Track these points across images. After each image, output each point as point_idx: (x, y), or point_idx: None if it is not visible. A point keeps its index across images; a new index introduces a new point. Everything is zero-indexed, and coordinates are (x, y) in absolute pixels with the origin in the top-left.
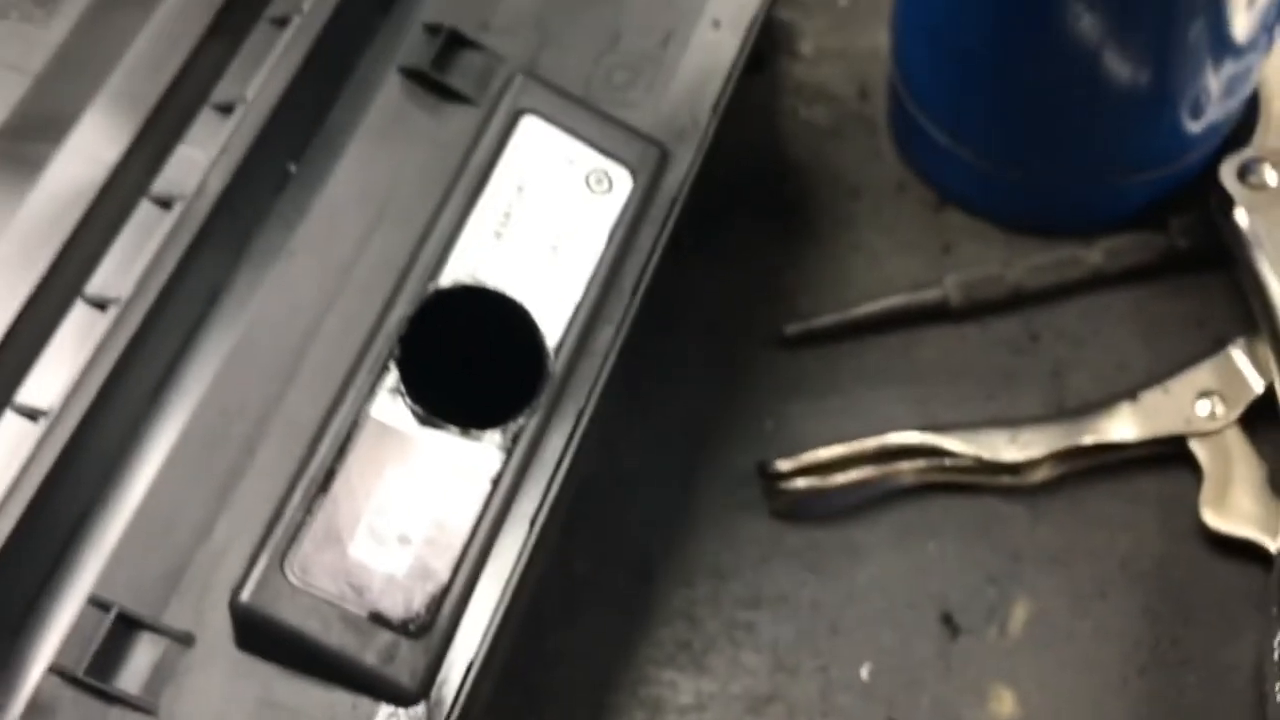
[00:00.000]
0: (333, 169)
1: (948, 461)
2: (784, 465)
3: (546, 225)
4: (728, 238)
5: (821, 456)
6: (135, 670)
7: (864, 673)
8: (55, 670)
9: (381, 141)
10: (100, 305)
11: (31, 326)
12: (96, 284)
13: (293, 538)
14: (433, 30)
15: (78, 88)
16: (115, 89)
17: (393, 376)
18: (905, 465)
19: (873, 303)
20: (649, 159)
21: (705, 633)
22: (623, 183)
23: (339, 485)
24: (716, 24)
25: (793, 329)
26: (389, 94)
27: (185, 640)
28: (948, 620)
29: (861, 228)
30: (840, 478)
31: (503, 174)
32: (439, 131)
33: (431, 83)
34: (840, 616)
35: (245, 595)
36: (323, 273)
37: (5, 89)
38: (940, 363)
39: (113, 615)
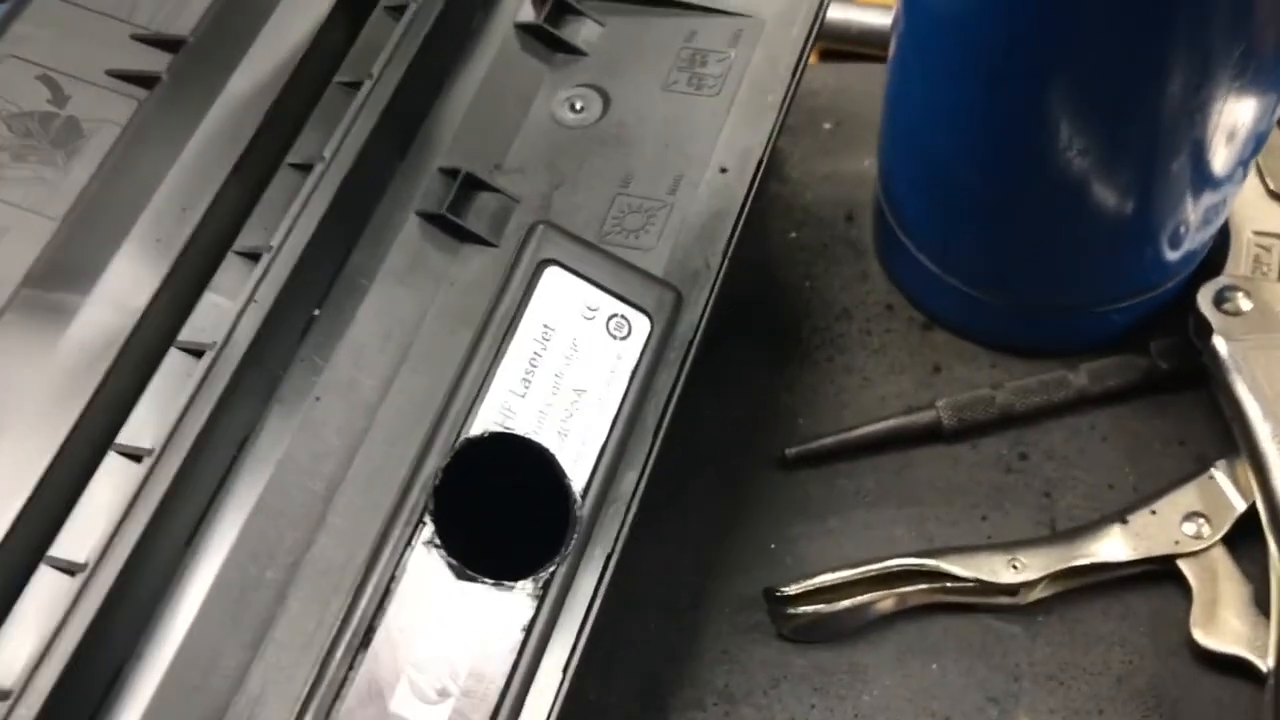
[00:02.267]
0: (356, 312)
1: (949, 584)
2: (790, 590)
3: (570, 371)
4: (724, 361)
5: (826, 580)
6: None
7: None
8: None
9: (402, 284)
10: (134, 457)
11: (65, 478)
12: (128, 434)
13: (336, 695)
14: (449, 174)
15: (102, 234)
16: (140, 236)
17: (428, 530)
18: (907, 588)
19: (868, 425)
20: (665, 303)
21: None
22: (641, 327)
23: (379, 640)
24: (724, 169)
25: (792, 452)
26: (408, 237)
27: None
28: None
29: (853, 349)
30: (845, 601)
31: (528, 323)
32: (458, 272)
33: (449, 225)
34: None
35: None
36: (349, 416)
37: (29, 234)
38: (934, 482)
39: None
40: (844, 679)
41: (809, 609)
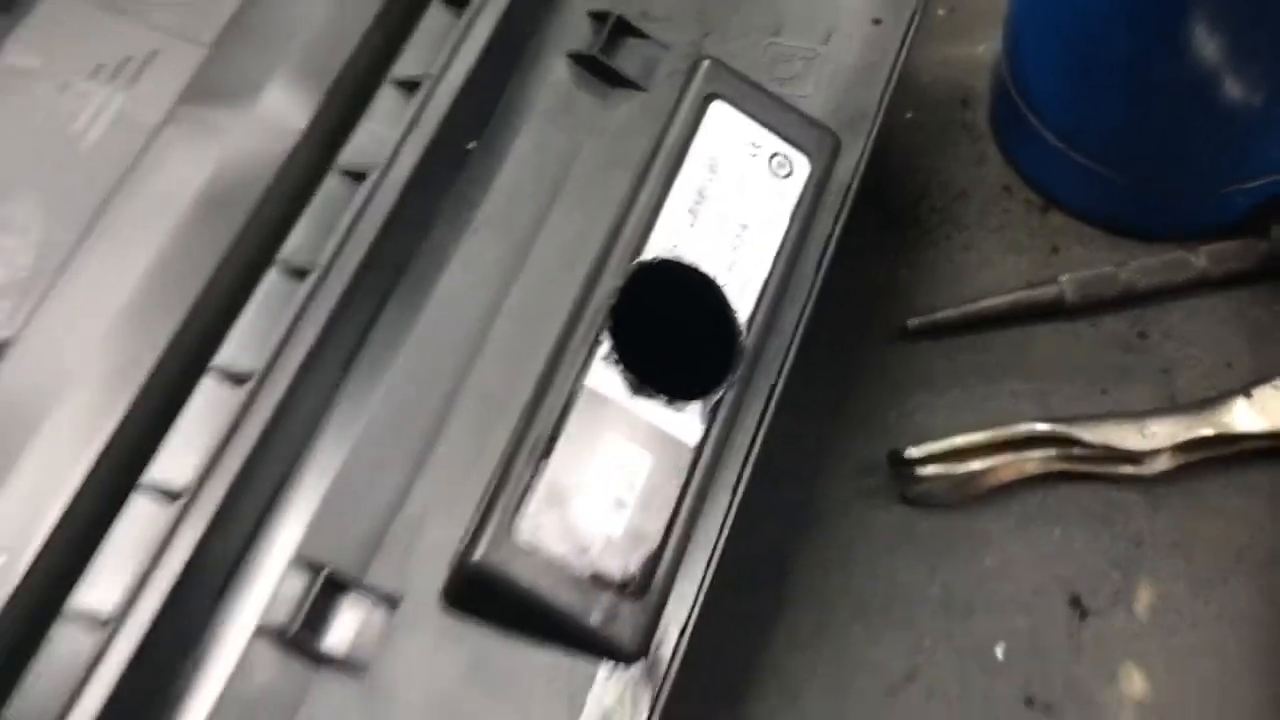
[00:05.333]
0: (509, 150)
1: (1075, 451)
2: (915, 452)
3: (735, 206)
4: (845, 238)
5: (953, 444)
6: (343, 632)
7: (999, 652)
8: (264, 631)
9: (554, 124)
10: (299, 273)
11: (229, 286)
12: (290, 251)
13: (520, 501)
14: (598, 18)
15: (254, 60)
16: (294, 63)
17: (605, 347)
18: (1033, 454)
19: (992, 298)
20: (825, 146)
21: (839, 618)
22: (802, 167)
23: (560, 451)
24: (876, 20)
25: (915, 323)
26: (559, 79)
27: (391, 602)
28: (1076, 602)
29: (971, 229)
30: (970, 464)
31: (696, 155)
32: (609, 116)
33: (600, 68)
34: (972, 600)
35: (478, 554)
36: (504, 249)
37: (179, 58)
38: (1055, 357)
39: (322, 577)
40: (966, 543)
41: (934, 471)
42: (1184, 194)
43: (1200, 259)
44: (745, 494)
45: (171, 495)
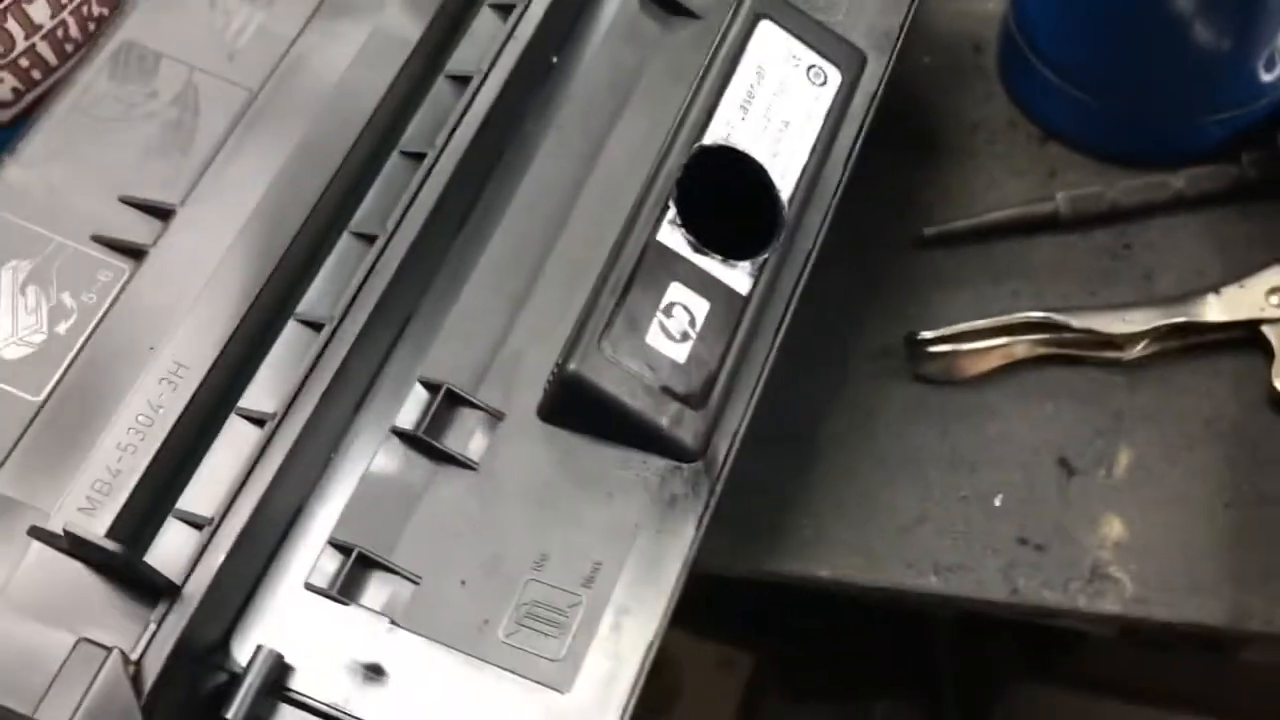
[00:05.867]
0: (586, 62)
1: (1065, 336)
2: (927, 335)
3: (778, 106)
4: (869, 161)
5: (960, 328)
6: (459, 436)
7: (997, 501)
8: (397, 432)
9: (623, 43)
10: (416, 157)
11: (355, 175)
12: (407, 140)
13: (605, 326)
14: None
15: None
16: None
17: (672, 212)
18: (1029, 337)
19: (997, 212)
20: (854, 61)
21: (861, 472)
22: (834, 78)
23: (636, 289)
24: None
25: (930, 231)
26: (629, 7)
27: (497, 415)
28: (1064, 463)
29: (980, 156)
30: (976, 343)
31: (746, 63)
32: (669, 40)
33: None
34: (976, 459)
35: (573, 365)
36: (584, 141)
37: None
38: (1051, 263)
39: (442, 392)
40: (971, 413)
41: (943, 349)
42: (1165, 123)
43: (1179, 181)
44: (784, 344)
45: (316, 326)
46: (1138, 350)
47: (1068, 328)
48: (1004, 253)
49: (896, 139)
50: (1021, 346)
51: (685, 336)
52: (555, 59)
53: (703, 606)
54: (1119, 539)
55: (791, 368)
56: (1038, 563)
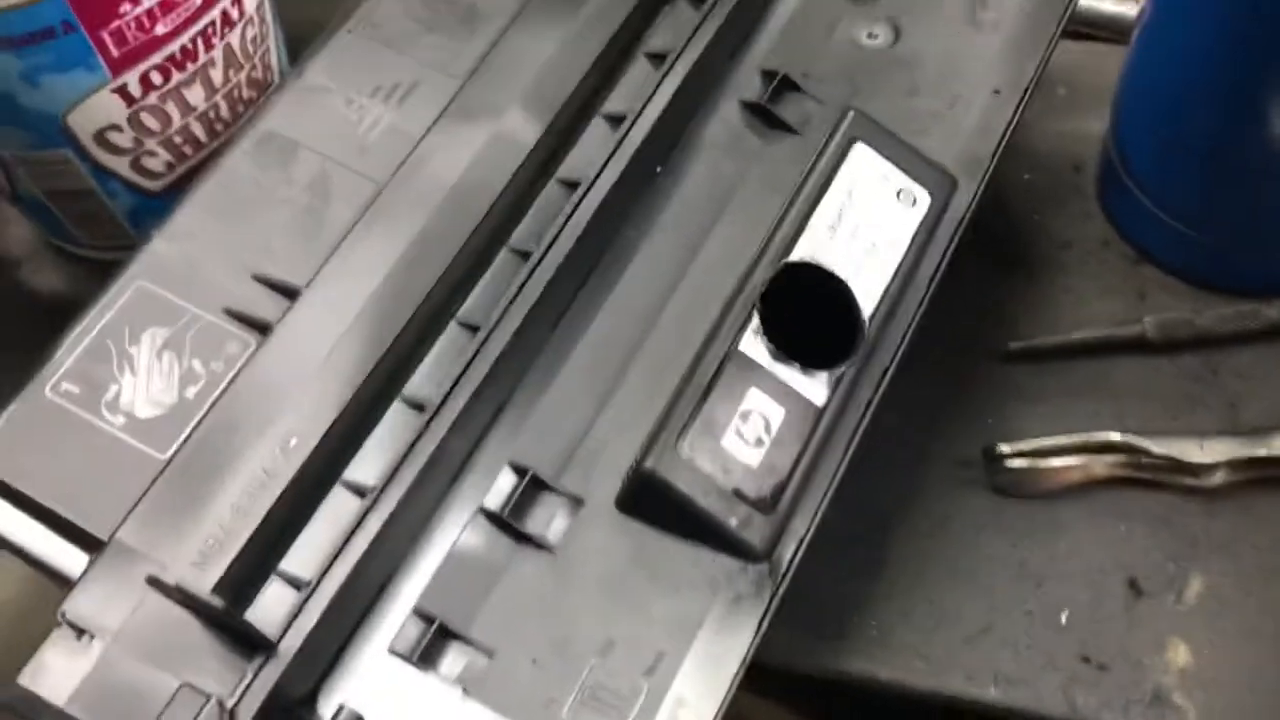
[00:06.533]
0: (688, 174)
1: (1144, 460)
2: (1006, 448)
3: (866, 226)
4: (958, 269)
5: (1038, 444)
6: (541, 520)
7: (1062, 618)
8: (484, 511)
9: (724, 156)
10: (523, 255)
11: (466, 268)
12: (517, 238)
13: (684, 426)
14: (768, 75)
15: (495, 93)
16: (525, 95)
17: (755, 322)
18: (1106, 458)
19: (1084, 331)
20: (945, 185)
21: (929, 579)
22: (923, 201)
23: (715, 394)
24: (996, 91)
25: (1016, 345)
26: (731, 121)
27: (577, 501)
28: (1133, 585)
29: (1071, 273)
30: (1052, 461)
31: (839, 184)
32: (768, 154)
33: (766, 114)
34: (1044, 574)
35: (650, 463)
36: (679, 248)
37: (439, 87)
38: (1135, 386)
39: (527, 477)
40: (1043, 528)
41: (1020, 465)
42: (1263, 255)
43: (1272, 310)
44: (857, 454)
45: (419, 407)
46: (1217, 478)
47: (1146, 452)
48: (1088, 371)
49: (988, 249)
50: (1099, 466)
51: (760, 442)
52: (659, 168)
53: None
54: (1185, 666)
55: (867, 470)
56: (1099, 682)
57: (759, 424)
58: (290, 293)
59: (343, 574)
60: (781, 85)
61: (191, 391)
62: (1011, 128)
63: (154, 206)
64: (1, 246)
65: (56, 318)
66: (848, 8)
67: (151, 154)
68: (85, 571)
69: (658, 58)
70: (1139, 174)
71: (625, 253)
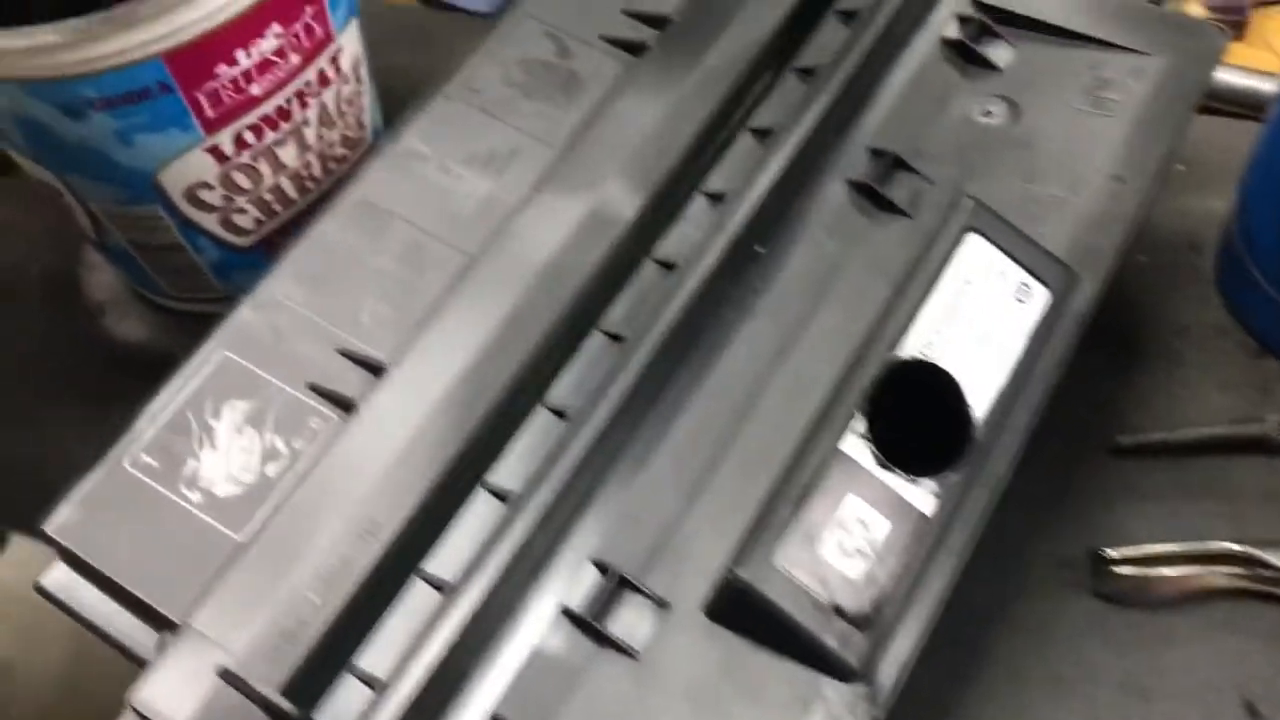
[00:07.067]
0: (789, 254)
1: (1264, 573)
2: (1113, 554)
3: (981, 322)
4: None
5: (1149, 550)
6: (625, 622)
7: None
8: (566, 611)
9: (829, 237)
10: (617, 339)
11: (559, 348)
12: (611, 321)
13: (779, 535)
14: (878, 154)
15: (593, 163)
16: (624, 167)
17: (860, 425)
18: (1223, 569)
19: (1200, 428)
20: (1064, 280)
21: (1028, 686)
22: (1041, 296)
23: (814, 500)
24: (1119, 178)
25: (1126, 440)
26: (837, 201)
27: (663, 604)
28: (1250, 708)
29: (1188, 364)
30: (1163, 570)
31: (951, 276)
32: (875, 235)
33: (874, 195)
34: (1151, 688)
35: (744, 572)
36: (779, 333)
37: (535, 156)
38: (1255, 490)
39: (613, 576)
40: (1151, 639)
41: (1128, 572)
42: None
43: None
44: (963, 566)
45: (503, 498)
46: None
47: (1267, 564)
48: (1204, 470)
49: (1096, 333)
50: (1214, 577)
51: (861, 553)
52: (761, 250)
53: None
54: None
55: (965, 569)
56: None
57: (860, 533)
58: (376, 369)
59: (419, 674)
60: (891, 164)
61: (271, 469)
62: (1136, 219)
63: (241, 261)
64: (85, 293)
65: (137, 367)
66: (963, 83)
67: (241, 211)
68: (156, 658)
69: (763, 133)
70: (1264, 260)
71: (721, 337)
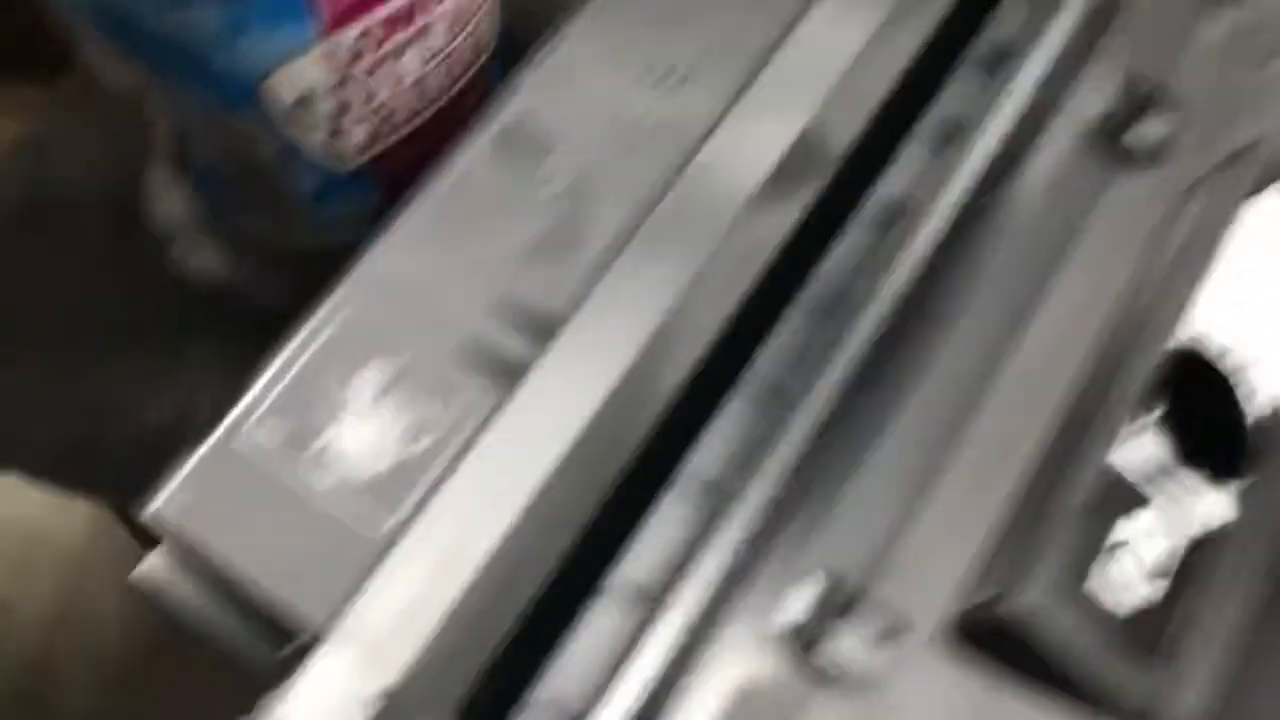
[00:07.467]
0: (1019, 209)
1: None
2: None
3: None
4: None
5: None
6: (844, 650)
7: None
8: (774, 634)
9: (1064, 188)
10: (828, 314)
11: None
12: (815, 290)
13: (1046, 553)
14: (1130, 85)
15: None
16: (832, 91)
17: (1145, 421)
18: None
19: None
20: None
21: None
22: None
23: (1087, 517)
24: None
25: None
26: (1072, 145)
27: (898, 630)
28: None
29: None
30: None
31: (1233, 239)
32: (1118, 190)
33: (1116, 145)
34: None
35: (1004, 600)
36: (1006, 308)
37: (724, 71)
38: None
39: (832, 592)
40: None
41: None
42: None
43: None
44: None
45: (709, 490)
46: None
47: None
48: None
49: None
50: None
51: (1146, 575)
52: (984, 199)
53: None
54: None
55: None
56: None
57: (1145, 551)
58: (545, 329)
59: (623, 704)
60: (1136, 107)
61: (417, 449)
62: None
63: (342, 187)
64: (152, 220)
65: (209, 309)
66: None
67: (350, 128)
68: (295, 675)
69: (995, 60)
70: None
71: (945, 309)
